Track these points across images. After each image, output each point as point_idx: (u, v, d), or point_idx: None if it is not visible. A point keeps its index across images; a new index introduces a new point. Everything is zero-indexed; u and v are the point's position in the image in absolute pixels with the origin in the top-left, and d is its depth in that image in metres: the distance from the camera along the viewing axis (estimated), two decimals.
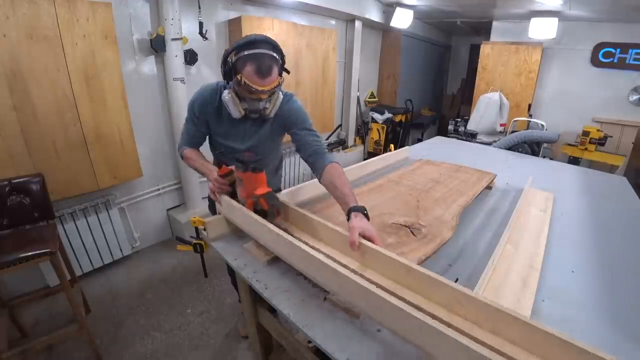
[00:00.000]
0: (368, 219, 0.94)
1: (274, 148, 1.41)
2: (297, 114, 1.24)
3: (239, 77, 1.04)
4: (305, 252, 0.84)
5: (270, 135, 1.31)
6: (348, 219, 0.94)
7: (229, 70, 1.08)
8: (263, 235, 1.01)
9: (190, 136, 1.31)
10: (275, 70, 1.07)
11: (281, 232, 0.92)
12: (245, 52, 1.03)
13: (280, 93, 1.19)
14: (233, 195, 1.15)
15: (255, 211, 1.03)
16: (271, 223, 0.98)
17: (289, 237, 0.90)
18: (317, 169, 1.16)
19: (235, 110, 1.13)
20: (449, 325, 0.67)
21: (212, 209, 1.45)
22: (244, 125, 1.25)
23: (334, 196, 1.08)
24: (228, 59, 1.08)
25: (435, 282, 0.74)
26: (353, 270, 0.83)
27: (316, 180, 1.25)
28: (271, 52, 1.05)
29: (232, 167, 1.14)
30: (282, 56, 1.10)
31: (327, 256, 0.87)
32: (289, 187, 1.44)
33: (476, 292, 0.74)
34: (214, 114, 1.24)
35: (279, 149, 1.48)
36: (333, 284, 0.80)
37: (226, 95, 1.12)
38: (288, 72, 1.15)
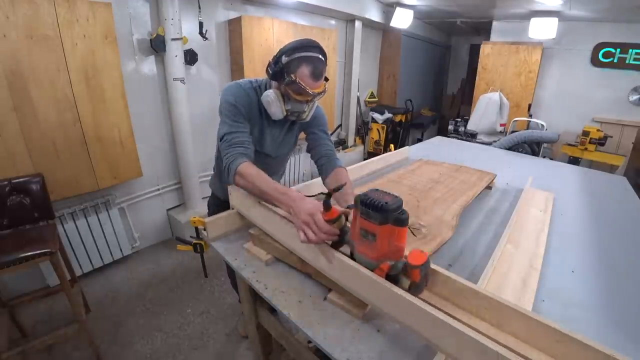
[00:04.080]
0: None
1: (291, 154, 1.44)
2: (319, 115, 1.28)
3: (292, 76, 1.03)
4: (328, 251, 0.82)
5: (294, 140, 1.35)
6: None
7: (280, 70, 1.06)
8: (283, 235, 0.94)
9: (243, 139, 1.09)
10: (324, 74, 1.08)
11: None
12: (301, 54, 1.04)
13: (316, 99, 1.19)
14: (336, 244, 0.83)
15: (388, 277, 0.70)
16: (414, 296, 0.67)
17: None
18: (325, 170, 1.22)
19: (279, 110, 1.11)
20: (455, 318, 0.67)
21: (211, 210, 1.45)
22: (275, 129, 1.24)
23: (336, 197, 1.10)
24: (280, 59, 1.06)
25: (442, 275, 0.75)
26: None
27: (318, 179, 1.30)
28: (322, 57, 1.07)
29: (343, 210, 0.82)
30: (326, 63, 1.11)
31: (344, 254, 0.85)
32: (291, 187, 1.44)
33: None
34: (254, 113, 1.17)
35: None
36: (343, 278, 0.80)
37: (271, 94, 1.09)
38: (327, 79, 1.13)
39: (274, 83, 1.12)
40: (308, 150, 1.31)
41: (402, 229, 0.69)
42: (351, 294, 0.82)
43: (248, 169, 1.02)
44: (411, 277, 0.68)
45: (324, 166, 1.22)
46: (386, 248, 0.70)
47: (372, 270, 0.71)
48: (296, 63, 1.04)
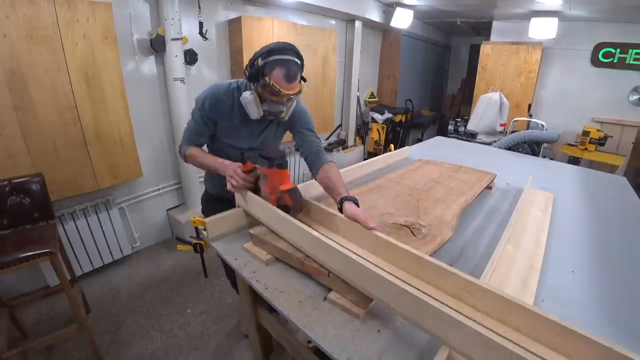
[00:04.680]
0: (358, 207, 1.02)
1: (275, 147, 1.46)
2: (302, 114, 1.32)
3: (266, 79, 1.09)
4: (332, 247, 0.84)
5: (274, 135, 1.39)
6: (340, 208, 1.04)
7: (256, 73, 1.12)
8: (285, 230, 1.02)
9: (196, 135, 1.30)
10: (299, 76, 1.14)
11: (303, 226, 0.94)
12: (275, 57, 1.08)
13: (295, 98, 1.24)
14: (255, 190, 1.16)
15: (279, 206, 1.05)
16: (294, 217, 0.99)
17: (311, 230, 0.91)
18: (314, 166, 1.25)
19: (256, 111, 1.17)
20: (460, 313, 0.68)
21: (205, 211, 1.47)
22: (253, 125, 1.29)
23: (327, 189, 1.16)
24: (256, 62, 1.11)
25: (445, 272, 0.77)
26: (369, 262, 0.84)
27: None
28: (296, 59, 1.12)
29: (256, 165, 1.15)
30: (303, 64, 1.16)
31: (353, 252, 0.88)
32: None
33: None
34: (226, 113, 1.25)
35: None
36: (352, 274, 0.81)
37: (248, 95, 1.15)
38: (305, 79, 1.19)
39: (253, 84, 1.17)
40: (296, 149, 1.34)
41: (283, 170, 1.06)
42: (351, 294, 0.83)
43: (193, 150, 1.29)
44: (285, 201, 1.04)
45: (313, 163, 1.26)
46: (273, 184, 1.07)
47: (267, 201, 1.08)
48: (270, 66, 1.09)
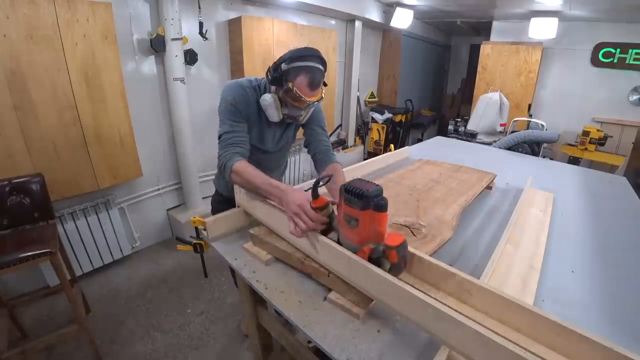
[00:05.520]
0: None
1: (290, 147, 1.48)
2: (317, 112, 1.31)
3: (290, 85, 1.07)
4: (332, 247, 0.83)
5: (293, 135, 1.39)
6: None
7: (279, 77, 1.09)
8: (285, 230, 0.92)
9: (240, 138, 1.14)
10: (322, 83, 1.12)
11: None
12: (300, 64, 1.06)
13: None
14: (325, 232, 0.89)
15: (371, 260, 0.76)
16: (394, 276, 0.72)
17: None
18: (321, 165, 1.26)
19: (275, 114, 1.16)
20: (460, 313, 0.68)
21: (215, 213, 1.45)
22: (274, 126, 1.28)
23: (330, 190, 1.15)
24: (280, 66, 1.09)
25: (445, 272, 0.77)
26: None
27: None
28: (321, 67, 1.10)
29: (329, 199, 0.90)
30: (326, 70, 1.14)
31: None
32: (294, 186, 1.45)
33: None
34: (253, 113, 1.21)
35: None
36: (351, 274, 0.81)
37: (269, 98, 1.13)
38: (326, 84, 1.16)
39: (272, 87, 1.16)
40: (305, 145, 1.34)
41: (382, 214, 0.75)
42: (351, 294, 0.82)
43: (242, 166, 1.08)
44: (389, 257, 0.74)
45: (320, 161, 1.27)
46: (367, 232, 0.76)
47: (354, 252, 0.78)
48: (295, 72, 1.06)
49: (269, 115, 1.17)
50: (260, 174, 1.04)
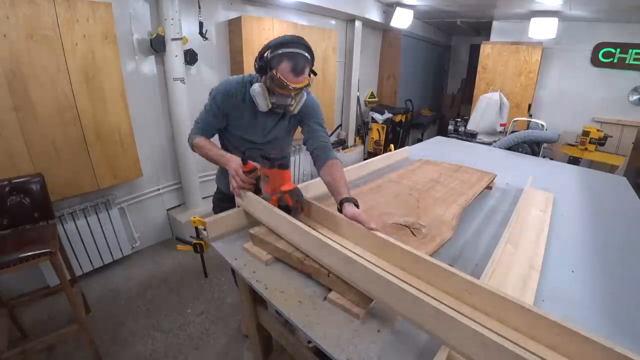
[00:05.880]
0: (358, 208, 1.03)
1: (288, 142, 1.48)
2: (313, 107, 1.33)
3: (274, 72, 1.09)
4: (332, 247, 0.84)
5: (286, 129, 1.39)
6: (339, 208, 1.05)
7: (264, 65, 1.12)
8: (285, 229, 1.02)
9: (206, 125, 1.30)
10: (307, 70, 1.13)
11: (303, 226, 0.94)
12: (282, 50, 1.08)
13: (304, 92, 1.25)
14: (256, 191, 1.16)
15: (280, 207, 1.05)
16: (295, 218, 1.00)
17: (311, 230, 0.91)
18: (319, 161, 1.26)
19: (264, 103, 1.18)
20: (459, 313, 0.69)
21: (217, 210, 1.47)
22: (264, 119, 1.30)
23: (328, 186, 1.16)
24: (265, 54, 1.12)
25: (445, 272, 0.77)
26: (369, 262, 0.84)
27: (318, 179, 1.32)
28: (305, 53, 1.11)
29: (256, 164, 1.15)
30: (313, 58, 1.15)
31: (353, 252, 0.88)
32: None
33: None
34: (237, 106, 1.26)
35: (291, 144, 1.55)
36: (353, 274, 0.81)
37: (257, 87, 1.16)
38: (315, 73, 1.19)
39: (262, 78, 1.18)
40: (304, 143, 1.34)
41: (284, 171, 1.06)
42: (351, 294, 0.83)
43: (201, 141, 1.28)
44: (288, 202, 1.03)
45: (318, 157, 1.27)
46: (275, 185, 1.07)
47: (268, 202, 1.08)
48: (278, 59, 1.09)
49: (258, 104, 1.19)
50: (214, 147, 1.26)
